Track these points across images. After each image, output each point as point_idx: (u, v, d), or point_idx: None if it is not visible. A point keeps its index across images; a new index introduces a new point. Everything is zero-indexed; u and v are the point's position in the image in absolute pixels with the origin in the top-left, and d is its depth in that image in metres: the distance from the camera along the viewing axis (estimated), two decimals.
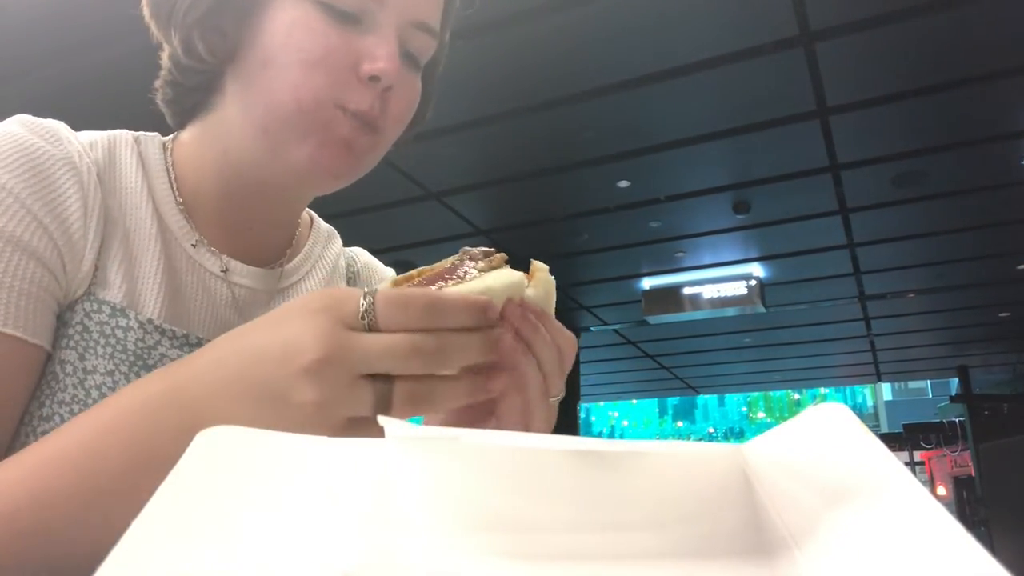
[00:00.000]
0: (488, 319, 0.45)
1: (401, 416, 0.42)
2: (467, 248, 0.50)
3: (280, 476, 0.26)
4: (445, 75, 0.76)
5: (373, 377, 0.42)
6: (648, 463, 0.28)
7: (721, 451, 0.29)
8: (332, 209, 0.89)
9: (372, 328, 0.42)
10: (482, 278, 0.47)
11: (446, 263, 0.49)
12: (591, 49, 3.38)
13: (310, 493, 0.25)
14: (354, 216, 4.79)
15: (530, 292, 0.49)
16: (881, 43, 3.31)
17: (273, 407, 0.41)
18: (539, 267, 0.51)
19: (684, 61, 3.48)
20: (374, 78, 0.59)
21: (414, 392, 0.43)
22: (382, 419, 0.27)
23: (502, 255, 0.49)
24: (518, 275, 0.48)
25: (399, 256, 5.58)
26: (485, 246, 0.51)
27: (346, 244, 0.85)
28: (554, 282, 0.51)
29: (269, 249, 0.73)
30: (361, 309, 0.42)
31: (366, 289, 0.43)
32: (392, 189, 4.65)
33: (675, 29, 3.26)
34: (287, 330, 0.42)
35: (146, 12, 0.63)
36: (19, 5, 3.07)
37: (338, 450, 0.27)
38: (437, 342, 0.43)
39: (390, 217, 5.07)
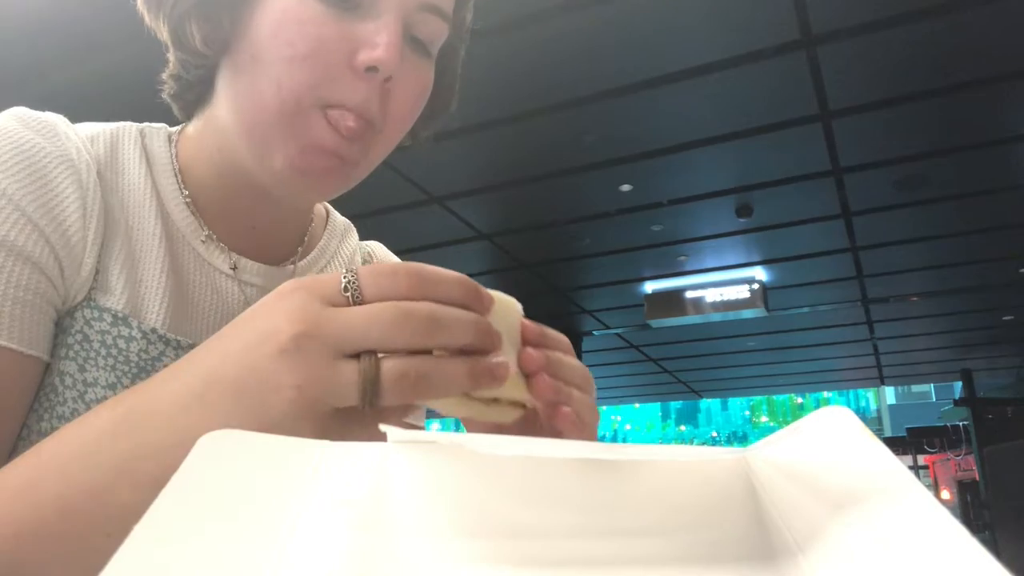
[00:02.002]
0: (482, 304, 0.41)
1: (394, 402, 0.37)
2: None
3: (282, 479, 0.26)
4: None
5: (359, 358, 0.37)
6: (652, 469, 0.28)
7: (725, 456, 0.29)
8: None
9: (356, 301, 0.38)
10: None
11: None
12: (593, 53, 3.38)
13: (312, 497, 0.25)
14: (356, 220, 4.75)
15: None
16: (883, 47, 3.31)
17: (253, 400, 0.36)
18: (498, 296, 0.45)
19: (686, 65, 3.48)
20: (371, 68, 0.53)
21: (406, 370, 0.37)
22: (383, 425, 0.27)
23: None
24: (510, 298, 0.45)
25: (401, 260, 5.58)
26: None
27: None
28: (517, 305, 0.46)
29: (280, 246, 0.69)
30: (344, 282, 0.38)
31: (349, 267, 0.39)
32: (394, 193, 4.65)
33: (677, 33, 3.26)
34: (259, 319, 0.38)
35: (138, 1, 0.59)
36: (27, 9, 3.08)
37: (340, 453, 0.27)
38: (428, 308, 0.38)
39: (392, 221, 5.08)
